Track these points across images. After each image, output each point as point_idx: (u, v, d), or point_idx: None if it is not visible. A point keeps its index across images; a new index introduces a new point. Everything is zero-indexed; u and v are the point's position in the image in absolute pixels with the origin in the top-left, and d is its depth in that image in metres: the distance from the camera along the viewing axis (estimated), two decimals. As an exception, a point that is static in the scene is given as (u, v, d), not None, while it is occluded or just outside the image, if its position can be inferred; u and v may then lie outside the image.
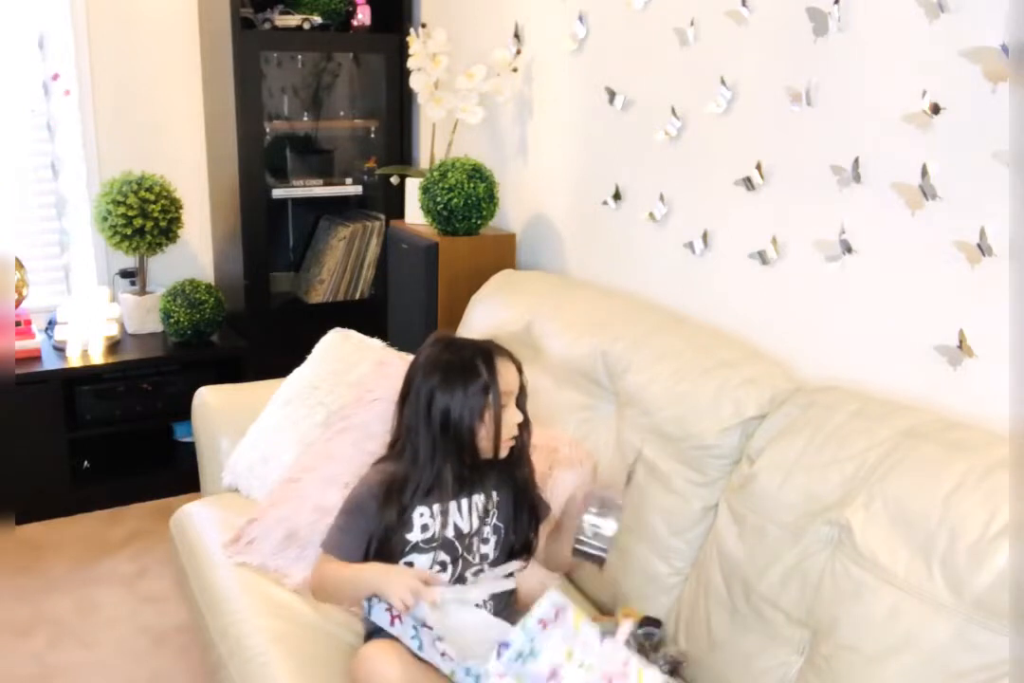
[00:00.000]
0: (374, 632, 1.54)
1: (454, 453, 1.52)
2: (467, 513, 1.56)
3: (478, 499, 1.57)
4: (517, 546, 1.61)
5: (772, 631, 1.42)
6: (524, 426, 1.58)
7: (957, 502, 1.25)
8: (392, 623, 1.46)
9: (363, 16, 3.00)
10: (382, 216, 3.12)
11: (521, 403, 1.58)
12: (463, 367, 1.52)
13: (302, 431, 1.98)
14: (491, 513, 1.58)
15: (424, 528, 1.53)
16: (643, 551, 1.68)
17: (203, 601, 1.79)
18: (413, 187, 2.60)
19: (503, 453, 1.55)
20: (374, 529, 1.53)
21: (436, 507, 1.54)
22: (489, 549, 1.58)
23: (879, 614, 1.27)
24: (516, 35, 2.51)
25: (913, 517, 1.28)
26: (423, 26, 2.69)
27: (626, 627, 1.43)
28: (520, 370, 1.57)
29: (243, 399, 2.26)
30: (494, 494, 1.59)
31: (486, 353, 1.53)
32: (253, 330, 3.05)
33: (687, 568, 1.64)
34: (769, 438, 1.54)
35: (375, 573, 1.47)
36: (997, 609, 1.17)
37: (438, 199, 2.39)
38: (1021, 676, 1.06)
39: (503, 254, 2.50)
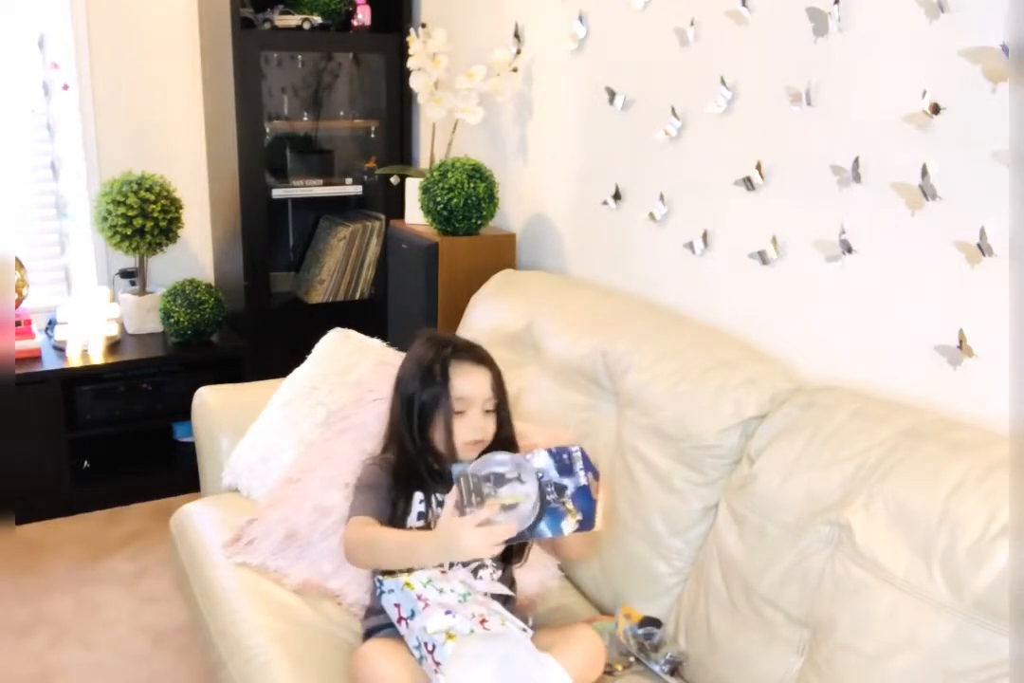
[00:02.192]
0: (373, 631, 1.54)
1: (416, 448, 1.57)
2: None
3: None
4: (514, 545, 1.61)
5: (772, 631, 1.42)
6: (502, 431, 1.59)
7: (957, 502, 1.25)
8: (399, 622, 1.46)
9: (363, 16, 3.00)
10: (382, 216, 3.12)
11: (500, 408, 1.59)
12: (420, 369, 1.57)
13: (302, 431, 1.98)
14: None
15: (420, 516, 1.55)
16: (643, 551, 1.68)
17: (203, 601, 1.79)
18: (413, 187, 2.60)
19: (464, 456, 1.55)
20: (392, 500, 1.55)
21: (433, 497, 1.56)
22: None
23: (879, 614, 1.27)
24: (516, 35, 2.51)
25: (913, 517, 1.28)
26: (423, 26, 2.69)
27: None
28: (496, 375, 1.59)
29: (243, 399, 2.26)
30: None
31: (443, 360, 1.55)
32: (253, 330, 3.05)
33: (687, 568, 1.64)
34: (769, 438, 1.54)
35: (437, 539, 1.38)
36: (997, 609, 1.17)
37: (438, 199, 2.38)
38: (1021, 676, 1.06)
39: (503, 254, 2.50)
